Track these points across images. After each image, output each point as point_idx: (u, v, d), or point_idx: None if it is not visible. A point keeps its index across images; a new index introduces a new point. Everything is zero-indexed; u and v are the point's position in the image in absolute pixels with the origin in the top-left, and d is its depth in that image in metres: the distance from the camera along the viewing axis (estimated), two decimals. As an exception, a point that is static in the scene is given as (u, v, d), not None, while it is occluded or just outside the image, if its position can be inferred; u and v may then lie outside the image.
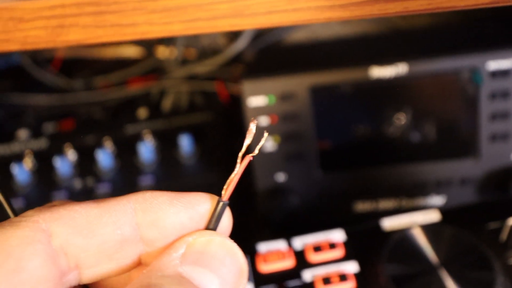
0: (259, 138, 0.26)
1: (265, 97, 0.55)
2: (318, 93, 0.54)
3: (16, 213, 0.27)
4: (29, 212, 0.25)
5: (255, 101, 0.55)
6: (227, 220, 0.26)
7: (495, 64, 0.52)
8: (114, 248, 0.25)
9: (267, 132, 0.26)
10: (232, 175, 0.25)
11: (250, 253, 0.47)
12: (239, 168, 0.25)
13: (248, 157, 0.25)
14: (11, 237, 0.23)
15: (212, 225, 0.26)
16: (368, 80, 0.53)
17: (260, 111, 0.55)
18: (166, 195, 0.26)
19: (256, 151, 0.26)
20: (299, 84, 0.54)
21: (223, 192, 0.26)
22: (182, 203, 0.25)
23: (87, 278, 0.26)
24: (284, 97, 0.54)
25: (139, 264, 0.26)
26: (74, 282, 0.25)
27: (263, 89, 0.54)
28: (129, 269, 0.26)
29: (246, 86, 0.54)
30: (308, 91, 0.54)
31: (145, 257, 0.26)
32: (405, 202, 0.56)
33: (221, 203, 0.25)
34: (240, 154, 0.25)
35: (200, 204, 0.26)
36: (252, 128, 0.25)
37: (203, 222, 0.26)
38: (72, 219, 0.25)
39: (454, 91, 0.55)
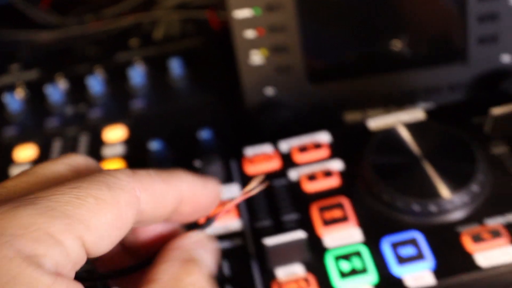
0: None
1: (250, 9, 0.54)
2: (306, 1, 0.54)
3: None
4: (123, 176, 0.28)
5: (241, 13, 0.54)
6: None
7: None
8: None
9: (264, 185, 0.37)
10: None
11: (237, 157, 0.47)
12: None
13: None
14: (122, 199, 0.27)
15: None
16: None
17: (246, 23, 0.54)
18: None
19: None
20: (284, -7, 0.53)
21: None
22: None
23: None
24: (270, 8, 0.54)
25: None
26: None
27: (248, 0, 0.54)
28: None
29: (231, -2, 0.54)
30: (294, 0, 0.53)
31: None
32: (394, 111, 0.56)
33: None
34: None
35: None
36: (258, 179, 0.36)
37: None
38: (153, 191, 0.29)
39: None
